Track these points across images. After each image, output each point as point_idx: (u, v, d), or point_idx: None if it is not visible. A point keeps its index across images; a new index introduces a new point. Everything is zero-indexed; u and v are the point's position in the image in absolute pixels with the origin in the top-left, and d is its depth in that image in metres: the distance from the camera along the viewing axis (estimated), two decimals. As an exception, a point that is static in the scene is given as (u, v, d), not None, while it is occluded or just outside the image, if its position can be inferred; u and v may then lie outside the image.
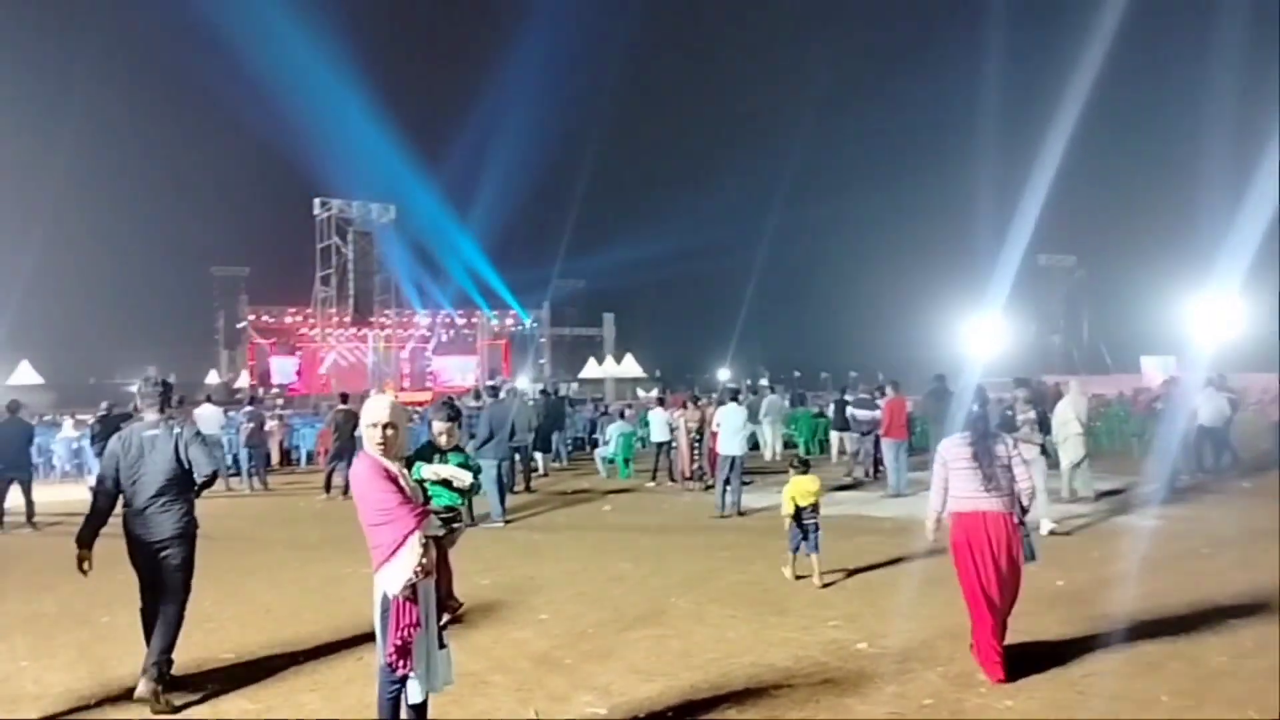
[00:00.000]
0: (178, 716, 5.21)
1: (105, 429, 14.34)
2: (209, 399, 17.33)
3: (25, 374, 64.16)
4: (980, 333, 43.33)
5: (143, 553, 5.42)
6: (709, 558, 9.26)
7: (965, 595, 5.41)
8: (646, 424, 18.62)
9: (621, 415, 18.94)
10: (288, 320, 52.23)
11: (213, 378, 70.94)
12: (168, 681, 5.38)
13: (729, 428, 12.26)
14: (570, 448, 24.46)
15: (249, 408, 17.08)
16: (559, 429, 20.99)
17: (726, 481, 12.21)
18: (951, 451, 5.53)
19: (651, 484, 16.29)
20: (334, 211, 42.57)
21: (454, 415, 4.67)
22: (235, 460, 17.51)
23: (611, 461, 17.83)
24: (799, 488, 8.38)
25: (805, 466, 8.78)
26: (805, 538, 8.22)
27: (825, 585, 7.97)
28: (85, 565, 5.19)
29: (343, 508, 14.15)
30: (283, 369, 55.00)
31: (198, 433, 5.65)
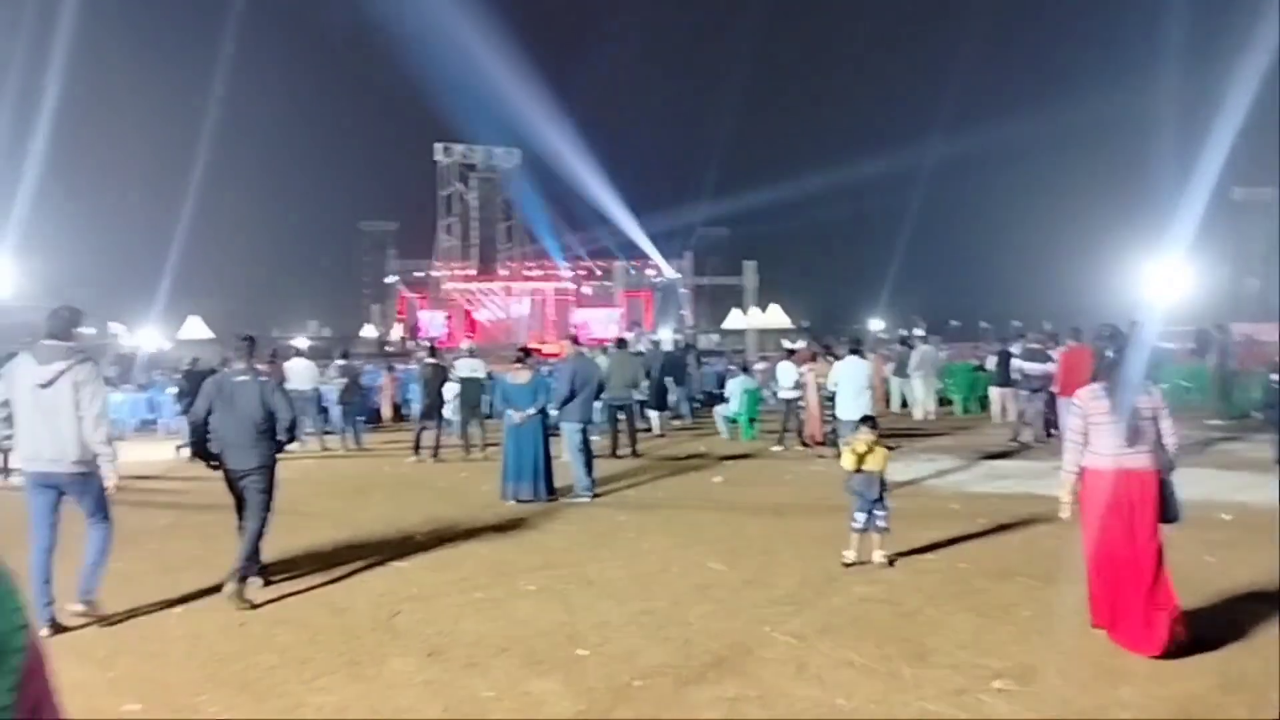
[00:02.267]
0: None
1: (191, 384, 14.04)
2: (298, 353, 16.19)
3: (195, 328, 67.10)
4: (1161, 277, 38.91)
5: (233, 479, 6.45)
6: (830, 555, 7.10)
7: (1092, 563, 4.99)
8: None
9: (745, 369, 16.76)
10: (434, 274, 52.17)
11: (368, 331, 72.64)
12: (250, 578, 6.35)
13: (850, 388, 10.02)
14: (700, 403, 22.53)
15: (340, 362, 15.83)
16: (681, 383, 19.06)
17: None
18: (1090, 403, 5.07)
19: (778, 448, 14.16)
20: (456, 157, 41.49)
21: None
22: (328, 417, 16.36)
23: (734, 421, 15.77)
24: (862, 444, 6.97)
25: (873, 423, 7.34)
26: (870, 511, 6.81)
27: (890, 562, 6.80)
28: (212, 464, 6.54)
29: (426, 473, 12.64)
30: (433, 322, 55.38)
31: (280, 384, 7.13)
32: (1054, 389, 13.96)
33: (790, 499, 9.92)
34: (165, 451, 15.24)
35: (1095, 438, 5.01)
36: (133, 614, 6.01)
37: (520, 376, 9.97)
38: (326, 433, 16.05)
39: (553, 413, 10.08)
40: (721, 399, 17.05)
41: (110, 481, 5.75)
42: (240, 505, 6.52)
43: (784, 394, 14.52)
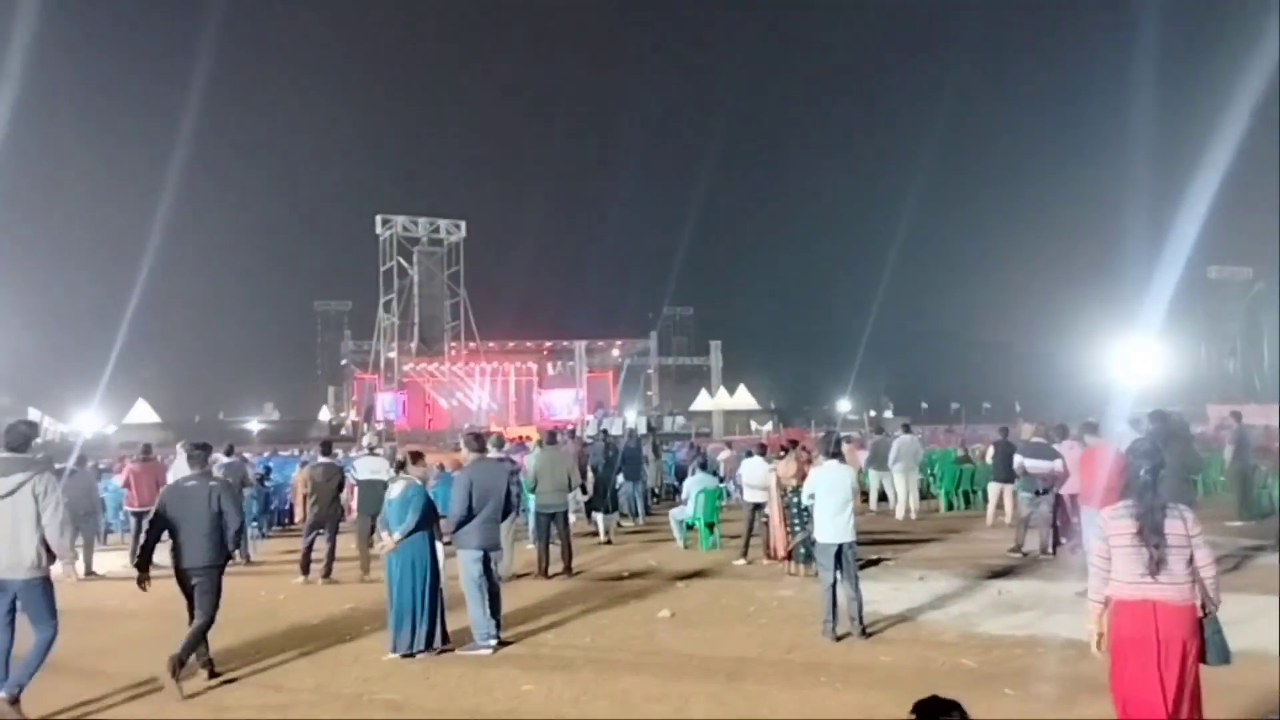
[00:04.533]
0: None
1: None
2: (195, 447, 13.63)
3: (142, 412, 64.19)
4: (1135, 358, 37.51)
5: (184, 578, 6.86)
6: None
7: (1117, 704, 4.41)
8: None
9: (704, 465, 14.54)
10: (390, 356, 49.91)
11: (324, 415, 69.88)
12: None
13: (830, 502, 7.86)
14: (658, 498, 20.29)
15: (226, 459, 13.44)
16: (634, 478, 16.82)
17: (834, 585, 7.78)
18: (1112, 524, 4.52)
19: (740, 561, 11.93)
20: (396, 229, 39.42)
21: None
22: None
23: (691, 527, 13.54)
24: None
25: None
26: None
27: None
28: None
29: (307, 601, 10.26)
30: (388, 405, 52.97)
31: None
32: (1061, 491, 11.95)
33: (752, 649, 7.65)
34: (112, 562, 12.98)
35: (1119, 563, 4.50)
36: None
37: (396, 487, 7.74)
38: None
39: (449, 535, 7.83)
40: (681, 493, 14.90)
41: (72, 578, 6.95)
42: (190, 603, 6.88)
43: (749, 496, 12.34)
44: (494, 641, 7.62)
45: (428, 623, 7.48)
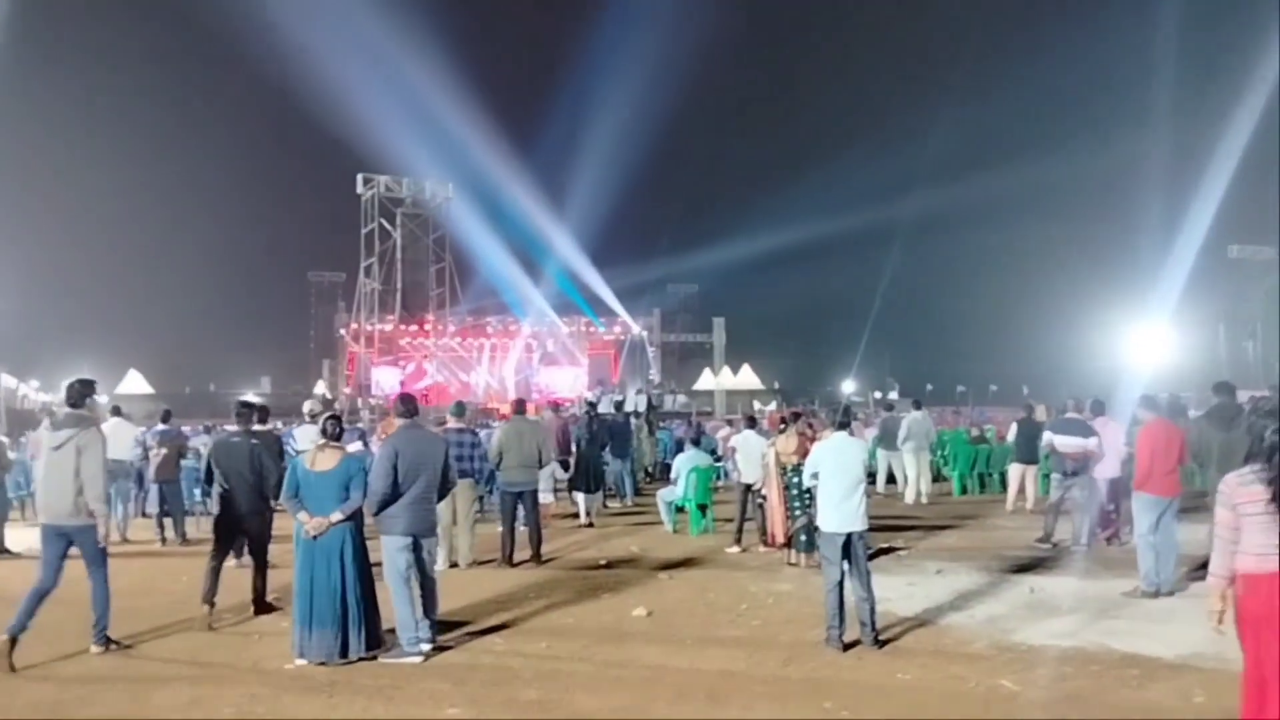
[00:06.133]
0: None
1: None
2: (117, 410, 12.27)
3: (134, 383, 63.05)
4: (1147, 339, 36.04)
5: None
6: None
7: (1249, 690, 4.10)
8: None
9: (696, 440, 13.10)
10: (387, 328, 48.47)
11: (320, 389, 68.63)
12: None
13: (838, 483, 6.46)
14: (652, 477, 18.95)
15: (160, 427, 12.05)
16: (622, 455, 15.45)
17: (840, 582, 6.40)
18: (1240, 491, 4.17)
19: (734, 549, 10.57)
20: (379, 189, 37.54)
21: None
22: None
23: (681, 509, 12.17)
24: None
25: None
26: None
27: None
28: None
29: (231, 587, 8.83)
30: (386, 379, 51.65)
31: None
32: (1098, 474, 10.56)
33: (740, 660, 6.27)
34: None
35: (1250, 534, 4.14)
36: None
37: (325, 458, 6.34)
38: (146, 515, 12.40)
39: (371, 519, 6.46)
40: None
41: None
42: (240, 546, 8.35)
43: (746, 477, 10.95)
44: (425, 648, 6.26)
45: (352, 627, 6.12)
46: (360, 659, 6.16)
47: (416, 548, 6.30)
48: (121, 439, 11.75)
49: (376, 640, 6.30)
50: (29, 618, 6.19)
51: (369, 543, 6.50)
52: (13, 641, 6.08)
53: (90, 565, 6.46)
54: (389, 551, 6.25)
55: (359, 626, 6.17)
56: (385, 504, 6.20)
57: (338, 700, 5.44)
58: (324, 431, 6.55)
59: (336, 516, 6.15)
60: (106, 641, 6.54)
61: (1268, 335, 43.19)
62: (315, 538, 6.15)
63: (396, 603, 6.18)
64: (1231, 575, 4.24)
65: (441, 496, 6.67)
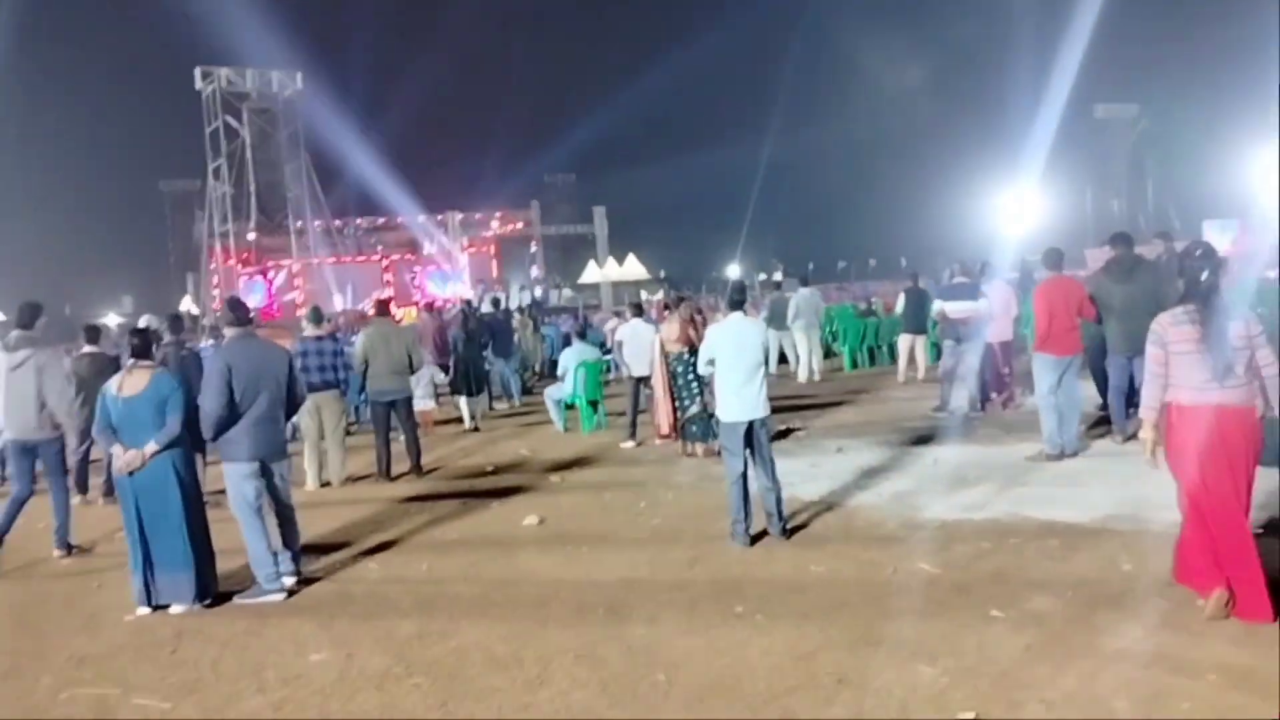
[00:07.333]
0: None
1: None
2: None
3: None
4: (1018, 204, 36.75)
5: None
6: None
7: (1189, 512, 4.30)
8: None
9: (582, 333, 12.46)
10: (249, 236, 45.72)
11: (187, 304, 65.15)
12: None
13: (735, 369, 5.94)
14: (539, 376, 18.32)
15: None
16: (505, 355, 14.73)
17: (744, 473, 5.93)
18: (1172, 331, 4.34)
19: (629, 443, 10.06)
20: (220, 83, 34.55)
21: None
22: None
23: (571, 406, 11.57)
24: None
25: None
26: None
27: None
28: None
29: (80, 526, 7.90)
30: (254, 291, 49.18)
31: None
32: (990, 338, 10.35)
33: (642, 565, 5.77)
34: None
35: (1179, 370, 4.33)
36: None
37: (134, 380, 5.41)
38: None
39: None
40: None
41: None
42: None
43: (636, 369, 10.38)
44: (288, 583, 5.54)
45: (195, 566, 5.33)
46: (211, 604, 5.41)
47: (266, 473, 5.51)
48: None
49: (207, 588, 5.49)
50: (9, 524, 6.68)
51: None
52: None
53: (51, 475, 6.92)
54: (233, 480, 5.44)
55: (198, 567, 5.38)
56: (223, 427, 5.36)
57: (183, 655, 4.71)
58: (132, 350, 5.58)
59: (151, 448, 5.26)
60: (68, 547, 6.93)
61: (1131, 192, 44.64)
62: (131, 474, 5.28)
63: (248, 536, 5.41)
64: (1161, 407, 4.40)
65: (290, 414, 5.88)
